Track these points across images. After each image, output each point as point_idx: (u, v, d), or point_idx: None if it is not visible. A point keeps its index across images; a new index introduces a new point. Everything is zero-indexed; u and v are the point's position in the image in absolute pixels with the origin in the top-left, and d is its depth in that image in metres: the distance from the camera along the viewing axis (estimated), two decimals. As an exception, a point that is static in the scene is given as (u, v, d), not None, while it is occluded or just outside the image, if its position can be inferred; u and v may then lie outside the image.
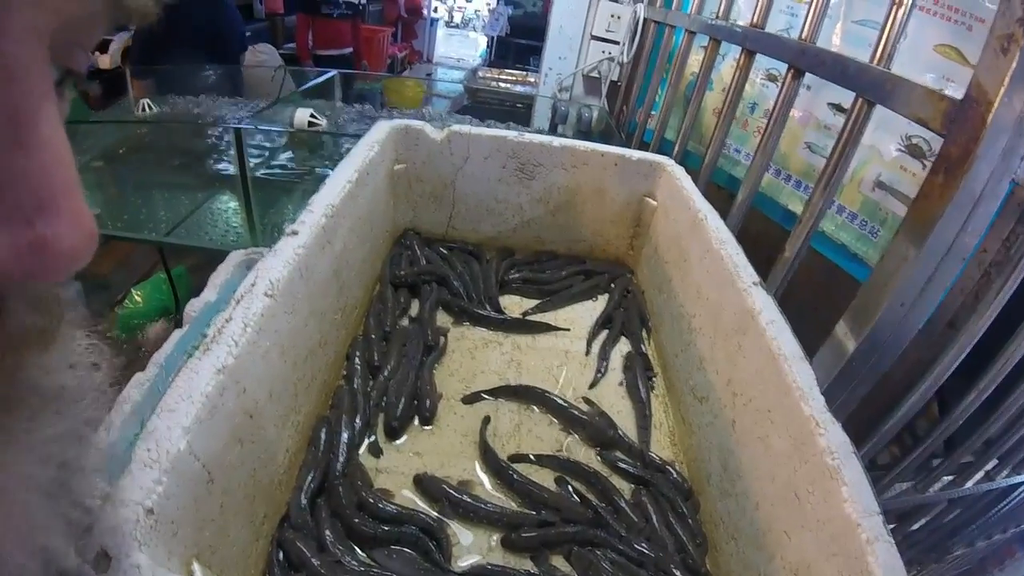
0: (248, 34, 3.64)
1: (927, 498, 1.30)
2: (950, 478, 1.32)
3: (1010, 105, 0.69)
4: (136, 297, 1.67)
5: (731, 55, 1.39)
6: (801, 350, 0.62)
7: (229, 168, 1.68)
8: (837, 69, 0.94)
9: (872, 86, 0.86)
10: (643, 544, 0.66)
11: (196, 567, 0.44)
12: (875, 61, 0.87)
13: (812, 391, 0.57)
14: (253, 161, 1.70)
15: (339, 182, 0.81)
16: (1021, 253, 0.85)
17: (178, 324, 0.76)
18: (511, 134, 1.03)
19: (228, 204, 1.60)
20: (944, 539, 1.60)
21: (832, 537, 0.48)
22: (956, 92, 0.74)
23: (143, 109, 1.91)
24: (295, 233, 0.69)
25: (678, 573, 0.63)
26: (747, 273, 0.73)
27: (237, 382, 0.52)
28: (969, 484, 1.33)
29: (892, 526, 1.39)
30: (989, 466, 1.35)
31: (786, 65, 1.08)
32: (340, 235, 0.79)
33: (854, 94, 0.91)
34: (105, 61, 2.90)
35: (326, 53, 4.05)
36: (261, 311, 0.57)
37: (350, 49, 4.20)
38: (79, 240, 0.22)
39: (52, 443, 0.26)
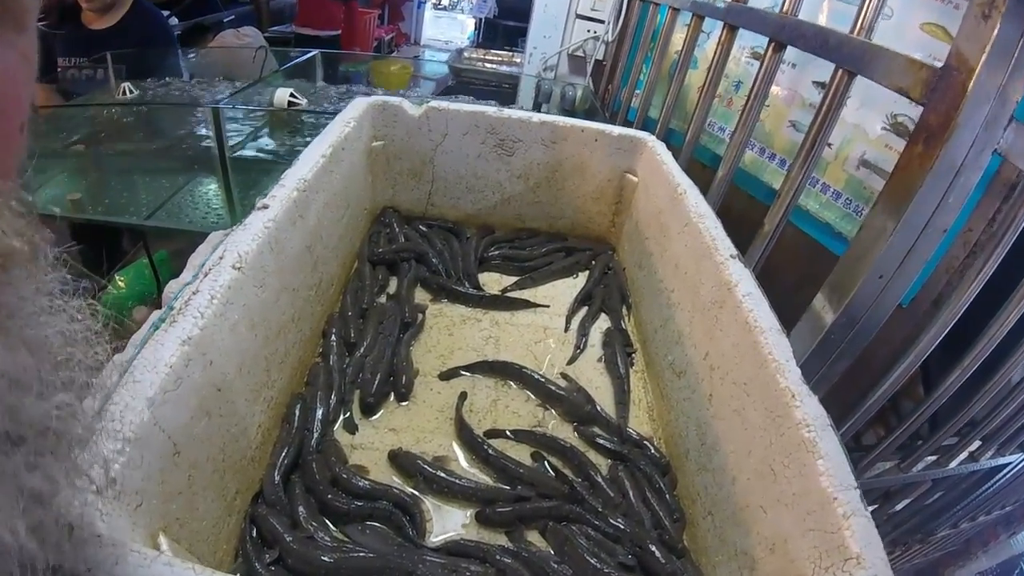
0: (232, 17, 3.56)
1: (910, 477, 1.30)
2: (933, 458, 1.32)
3: (992, 73, 0.68)
4: (119, 282, 1.65)
5: (715, 33, 1.37)
6: (778, 322, 0.61)
7: (209, 149, 1.66)
8: (818, 41, 0.93)
9: (852, 57, 0.86)
10: (619, 519, 0.65)
11: (162, 539, 0.44)
12: (855, 32, 0.86)
13: (788, 363, 0.56)
14: (233, 141, 1.68)
15: (312, 157, 0.80)
16: (1004, 230, 0.85)
17: (158, 307, 0.75)
18: (489, 109, 1.02)
19: (208, 186, 1.59)
20: (929, 520, 1.61)
21: (808, 511, 0.47)
22: (941, 67, 0.73)
23: (124, 92, 1.88)
24: (265, 207, 0.68)
25: (655, 549, 0.62)
26: (724, 246, 0.73)
27: (204, 354, 0.52)
28: (953, 464, 1.33)
29: (875, 506, 1.40)
30: (973, 447, 1.35)
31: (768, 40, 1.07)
32: (314, 210, 0.78)
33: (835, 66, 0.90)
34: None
35: (309, 33, 3.70)
36: (228, 283, 0.57)
37: (338, 31, 3.87)
38: None
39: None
